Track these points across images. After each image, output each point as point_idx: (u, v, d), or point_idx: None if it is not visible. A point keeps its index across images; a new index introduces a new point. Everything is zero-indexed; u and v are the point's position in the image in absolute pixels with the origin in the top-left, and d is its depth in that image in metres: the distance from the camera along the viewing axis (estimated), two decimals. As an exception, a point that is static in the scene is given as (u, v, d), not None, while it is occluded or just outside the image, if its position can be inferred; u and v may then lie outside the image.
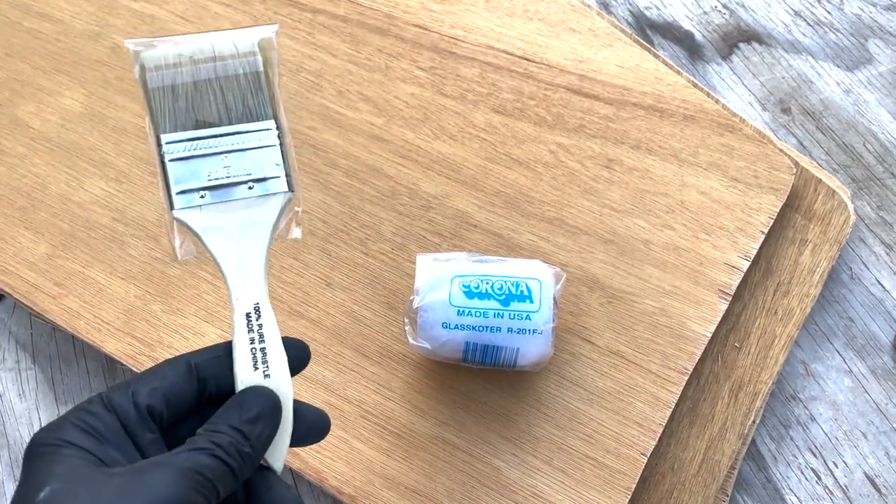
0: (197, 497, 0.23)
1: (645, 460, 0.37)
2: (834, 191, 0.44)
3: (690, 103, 0.47)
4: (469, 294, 0.37)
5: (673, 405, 0.38)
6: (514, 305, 0.36)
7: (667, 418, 0.38)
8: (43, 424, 0.44)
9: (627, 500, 0.37)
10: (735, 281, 0.41)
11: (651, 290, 0.42)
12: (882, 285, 0.44)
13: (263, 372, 0.26)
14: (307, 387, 0.41)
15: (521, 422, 0.39)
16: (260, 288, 0.27)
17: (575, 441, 0.38)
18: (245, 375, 0.26)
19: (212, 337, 0.42)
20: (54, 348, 0.47)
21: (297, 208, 0.28)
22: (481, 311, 0.36)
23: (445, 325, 0.37)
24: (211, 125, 0.27)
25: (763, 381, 0.40)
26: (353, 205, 0.46)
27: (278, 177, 0.27)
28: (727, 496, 0.39)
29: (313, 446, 0.39)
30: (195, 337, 0.43)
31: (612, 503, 0.37)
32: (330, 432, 0.39)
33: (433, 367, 0.41)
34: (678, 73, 0.48)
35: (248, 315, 0.26)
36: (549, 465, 0.38)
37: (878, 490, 0.40)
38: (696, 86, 0.48)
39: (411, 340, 0.38)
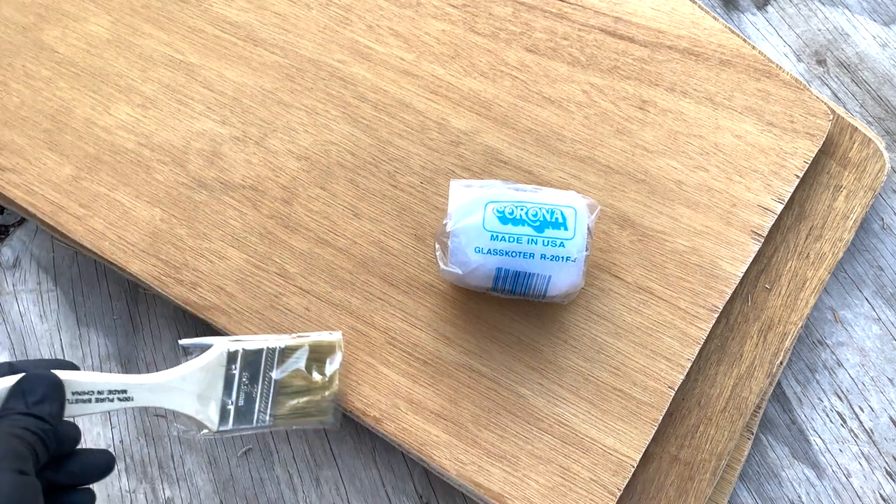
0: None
1: (672, 394, 0.37)
2: (870, 139, 0.44)
3: (727, 48, 0.46)
4: (503, 219, 0.36)
5: (702, 341, 0.38)
6: (549, 232, 0.36)
7: (695, 354, 0.38)
8: (64, 346, 0.44)
9: (654, 431, 0.36)
10: (768, 223, 0.41)
11: (682, 230, 0.41)
12: (913, 236, 0.44)
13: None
14: (333, 312, 0.40)
15: (547, 352, 0.39)
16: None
17: (602, 373, 0.38)
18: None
19: (237, 261, 0.42)
20: (76, 271, 0.46)
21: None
22: (515, 236, 0.36)
23: (478, 250, 0.36)
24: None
25: (793, 322, 0.40)
26: (381, 138, 0.45)
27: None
28: (752, 434, 0.39)
29: (340, 368, 0.39)
30: (220, 261, 0.42)
31: (638, 433, 0.36)
32: (357, 357, 0.39)
33: (460, 297, 0.40)
34: (715, 18, 0.48)
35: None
36: (575, 394, 0.38)
37: (903, 436, 0.39)
38: (732, 31, 0.47)
39: (442, 265, 0.37)
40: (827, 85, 0.49)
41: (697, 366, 0.39)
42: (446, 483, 0.40)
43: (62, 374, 0.31)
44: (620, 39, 0.47)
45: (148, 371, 0.44)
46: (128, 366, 0.44)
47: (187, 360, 0.34)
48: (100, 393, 0.31)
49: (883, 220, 0.45)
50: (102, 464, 0.31)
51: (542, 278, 0.36)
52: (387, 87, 0.47)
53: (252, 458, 0.41)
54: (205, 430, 0.34)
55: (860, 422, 0.40)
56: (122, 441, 0.42)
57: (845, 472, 0.39)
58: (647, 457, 0.38)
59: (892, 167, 0.46)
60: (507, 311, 0.40)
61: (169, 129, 0.47)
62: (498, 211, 0.36)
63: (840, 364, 0.41)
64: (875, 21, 0.51)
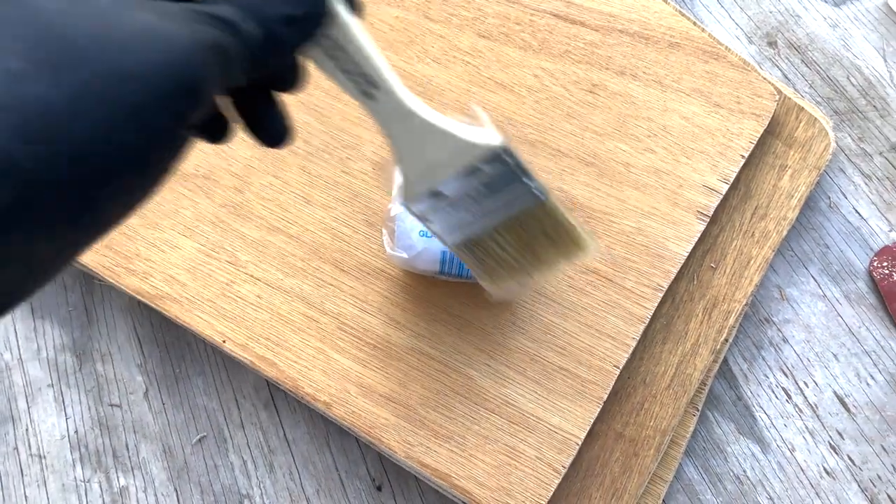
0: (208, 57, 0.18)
1: (617, 372, 0.38)
2: (815, 119, 0.44)
3: (676, 31, 0.46)
4: (446, 202, 0.37)
5: (647, 320, 0.39)
6: (492, 214, 0.36)
7: (640, 333, 0.38)
8: (19, 337, 0.44)
9: (599, 409, 0.37)
10: (713, 203, 0.41)
11: (630, 211, 0.42)
12: (859, 213, 0.45)
13: None
14: (285, 299, 0.41)
15: (495, 334, 0.39)
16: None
17: (548, 353, 0.38)
18: None
19: (189, 250, 0.42)
20: (31, 264, 0.46)
21: None
22: (458, 219, 0.36)
23: (423, 234, 0.36)
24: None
25: (737, 299, 0.40)
26: (334, 125, 0.46)
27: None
28: (697, 411, 0.39)
29: (290, 355, 0.39)
30: (172, 250, 0.42)
31: (583, 412, 0.37)
32: (308, 343, 0.39)
33: (411, 281, 0.41)
34: (665, 1, 0.48)
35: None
36: (522, 375, 0.38)
37: (848, 409, 0.40)
38: (682, 14, 0.48)
39: (389, 250, 0.38)
40: (777, 66, 0.50)
41: (643, 344, 0.40)
42: (399, 465, 0.40)
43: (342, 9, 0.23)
44: (572, 24, 0.47)
45: (103, 362, 0.44)
46: (82, 357, 0.44)
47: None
48: (354, 63, 0.23)
49: (830, 198, 0.45)
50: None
51: (487, 261, 0.37)
52: (340, 75, 0.47)
53: (206, 446, 0.41)
54: (399, 199, 0.28)
55: (805, 397, 0.40)
56: (76, 431, 0.42)
57: (790, 446, 0.39)
58: (592, 435, 0.38)
59: (838, 146, 0.47)
60: (457, 295, 0.40)
61: (121, 119, 0.46)
62: (441, 194, 0.37)
63: (786, 341, 0.42)
64: (826, 2, 0.51)
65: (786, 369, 0.41)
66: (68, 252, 0.17)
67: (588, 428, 0.37)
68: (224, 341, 0.40)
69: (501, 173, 0.27)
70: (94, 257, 0.42)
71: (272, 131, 0.23)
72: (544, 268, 0.30)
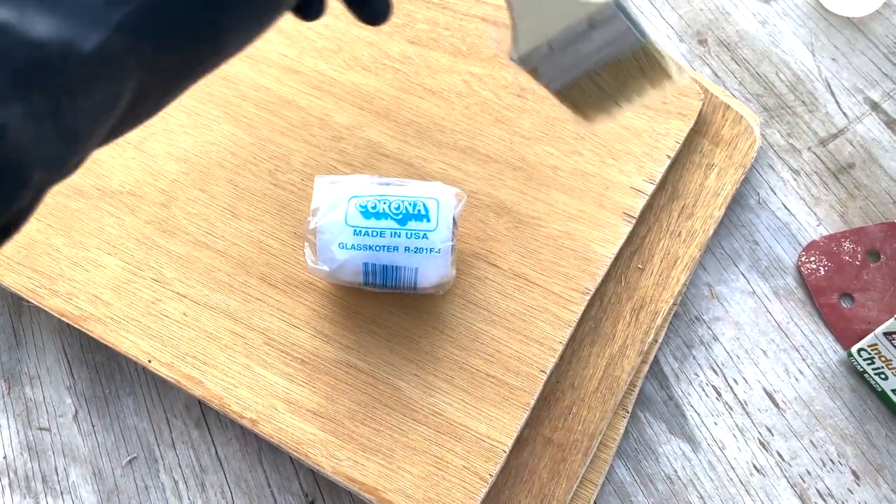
0: None
1: (545, 377, 0.38)
2: (741, 116, 0.44)
3: (604, 32, 0.46)
4: (366, 214, 0.36)
5: (574, 324, 0.39)
6: (411, 224, 0.36)
7: (567, 337, 0.38)
8: (-56, 362, 0.43)
9: (526, 416, 0.37)
10: (639, 204, 0.41)
11: (557, 215, 0.42)
12: (788, 209, 0.45)
13: None
14: (211, 316, 0.40)
15: (424, 344, 0.39)
16: None
17: (476, 360, 0.38)
18: None
19: (114, 269, 0.42)
20: (-43, 287, 0.45)
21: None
22: (378, 230, 0.36)
23: (342, 246, 0.36)
24: None
25: (664, 300, 0.41)
26: (262, 136, 0.45)
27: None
28: (627, 412, 0.39)
29: (217, 372, 0.39)
30: (96, 269, 0.42)
31: (510, 419, 0.37)
32: (234, 360, 0.39)
33: (338, 293, 0.40)
34: (593, 2, 0.48)
35: None
36: (450, 384, 0.38)
37: (777, 405, 0.40)
38: (610, 15, 0.48)
39: (310, 263, 0.37)
40: (708, 64, 0.50)
41: (571, 348, 0.40)
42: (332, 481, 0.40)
43: None
44: (501, 28, 0.47)
45: (31, 385, 0.43)
46: (10, 381, 0.43)
47: None
48: None
49: (759, 195, 0.45)
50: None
51: (410, 271, 0.37)
52: (269, 85, 0.47)
53: (137, 467, 0.40)
54: (514, 55, 0.31)
55: (734, 394, 0.41)
56: (5, 457, 0.41)
57: (720, 444, 0.40)
58: (521, 441, 0.38)
59: (767, 142, 0.47)
60: (385, 305, 0.40)
61: (45, 137, 0.46)
62: (360, 206, 0.36)
63: (716, 338, 0.42)
64: (755, -1, 0.52)
65: (716, 367, 0.41)
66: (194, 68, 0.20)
67: (515, 435, 0.37)
68: (150, 361, 0.39)
69: (609, 25, 0.30)
70: (17, 279, 0.41)
71: (377, 5, 0.24)
72: (635, 98, 0.32)
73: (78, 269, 0.42)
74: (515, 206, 0.42)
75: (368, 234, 0.36)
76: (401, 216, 0.36)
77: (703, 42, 0.51)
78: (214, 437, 0.41)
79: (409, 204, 0.36)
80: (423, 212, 0.36)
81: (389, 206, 0.36)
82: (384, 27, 0.48)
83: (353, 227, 0.36)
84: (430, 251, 0.36)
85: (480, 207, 0.42)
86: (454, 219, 0.37)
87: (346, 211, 0.36)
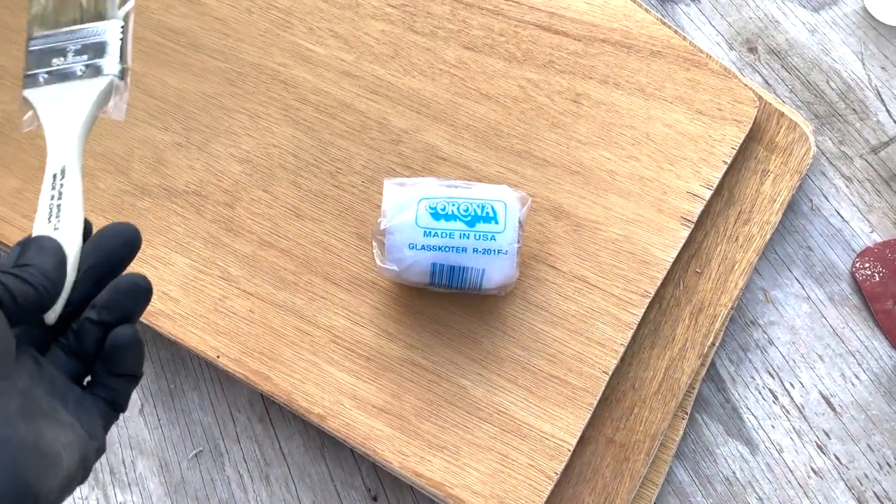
0: None
1: (606, 378, 0.38)
2: (796, 124, 0.45)
3: (657, 39, 0.47)
4: (435, 215, 0.37)
5: (635, 326, 0.39)
6: (480, 226, 0.37)
7: (628, 339, 0.39)
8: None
9: (589, 416, 0.38)
10: (697, 209, 0.42)
11: (615, 219, 0.42)
12: (841, 216, 0.45)
13: (54, 225, 0.28)
14: (277, 314, 0.41)
15: (486, 344, 0.40)
16: (70, 153, 0.29)
17: (539, 361, 0.39)
18: (38, 229, 0.28)
19: (181, 266, 0.43)
20: (24, 283, 0.47)
21: (124, 92, 0.32)
22: (447, 231, 0.37)
23: (412, 246, 0.37)
24: (69, 24, 0.32)
25: (723, 304, 0.41)
26: (323, 139, 0.46)
27: (110, 63, 0.32)
28: (686, 414, 0.40)
29: (284, 368, 0.40)
30: (164, 266, 0.43)
31: (574, 418, 0.38)
32: (301, 357, 0.40)
33: (401, 293, 0.41)
34: (646, 10, 0.49)
35: (54, 175, 0.29)
36: (513, 383, 0.39)
37: (833, 409, 0.41)
38: (663, 23, 0.48)
39: (379, 263, 0.38)
40: (758, 72, 0.50)
41: (631, 350, 0.40)
42: (394, 476, 0.41)
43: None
44: (555, 34, 0.48)
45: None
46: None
47: None
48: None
49: (812, 201, 0.46)
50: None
51: (476, 272, 0.37)
52: (328, 89, 0.48)
53: (203, 460, 0.41)
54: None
55: (791, 398, 0.41)
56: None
57: (778, 447, 0.40)
58: (583, 440, 0.39)
59: (819, 150, 0.47)
60: (447, 305, 0.41)
61: (111, 137, 0.47)
62: (430, 207, 0.37)
63: (771, 343, 0.42)
64: (804, 7, 0.52)
65: (772, 371, 0.42)
66: None
67: (579, 434, 0.37)
68: (218, 356, 0.40)
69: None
70: (86, 276, 0.43)
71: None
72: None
73: (146, 266, 0.43)
74: (573, 210, 0.43)
75: (438, 235, 0.37)
76: (469, 218, 0.37)
77: (752, 50, 0.51)
78: (278, 432, 0.42)
79: (478, 206, 0.37)
80: (491, 214, 0.37)
81: (458, 208, 0.37)
82: (440, 33, 0.49)
83: (423, 228, 0.37)
84: (498, 252, 0.37)
85: (539, 211, 0.43)
86: (520, 221, 0.38)
87: (417, 212, 0.37)
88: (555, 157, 0.44)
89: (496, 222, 0.37)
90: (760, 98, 0.46)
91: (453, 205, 0.37)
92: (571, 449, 0.37)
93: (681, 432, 0.40)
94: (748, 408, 0.41)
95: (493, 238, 0.37)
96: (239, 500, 0.40)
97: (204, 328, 0.41)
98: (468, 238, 0.37)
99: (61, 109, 0.31)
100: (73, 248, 0.27)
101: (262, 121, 0.47)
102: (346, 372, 0.40)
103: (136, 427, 0.42)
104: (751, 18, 0.52)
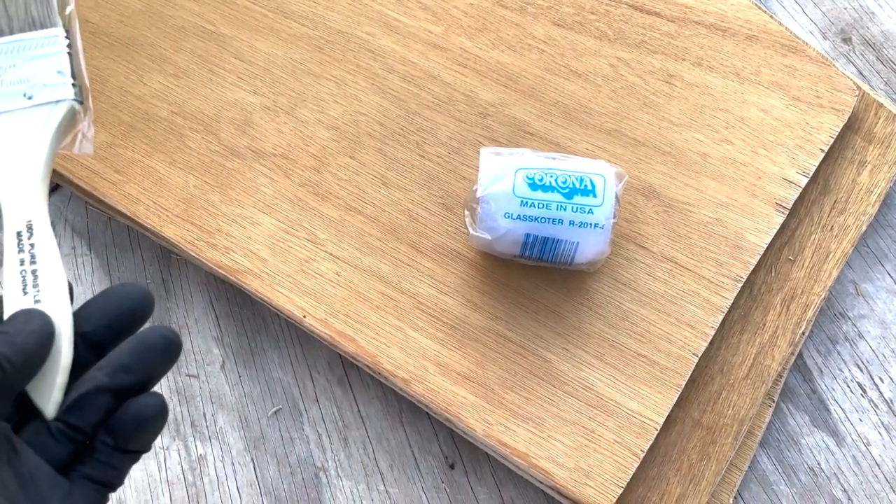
0: None
1: (696, 360, 0.38)
2: (894, 115, 0.44)
3: (753, 23, 0.46)
4: (533, 186, 0.37)
5: (726, 310, 0.39)
6: (578, 199, 0.37)
7: (719, 322, 0.38)
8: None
9: (677, 396, 0.37)
10: (793, 195, 0.41)
11: (707, 201, 0.42)
12: (937, 212, 0.44)
13: (34, 297, 0.22)
14: (363, 278, 0.41)
15: (572, 319, 0.40)
16: (35, 204, 0.23)
17: (626, 339, 0.39)
18: (13, 302, 0.22)
19: (268, 227, 0.43)
20: (110, 237, 0.48)
21: (87, 120, 0.26)
22: (544, 202, 0.37)
23: (507, 216, 0.37)
24: None
25: (816, 293, 0.40)
26: (409, 109, 0.46)
27: (61, 84, 0.25)
28: (773, 402, 0.39)
29: (369, 331, 0.40)
30: (252, 226, 0.43)
31: (661, 398, 0.37)
32: (386, 321, 0.40)
33: (487, 264, 0.41)
34: (742, -6, 0.48)
35: (18, 234, 0.23)
36: (600, 360, 0.38)
37: (922, 407, 0.40)
38: (758, 7, 0.47)
39: (471, 231, 0.38)
40: (852, 62, 0.49)
41: (720, 334, 0.40)
42: (472, 445, 0.41)
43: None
44: (647, 14, 0.47)
45: (180, 334, 0.45)
46: (161, 328, 0.45)
47: None
48: None
49: (906, 196, 0.45)
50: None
51: (570, 245, 0.37)
52: (415, 60, 0.48)
53: (282, 418, 0.42)
54: None
55: (880, 392, 0.40)
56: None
57: (865, 440, 0.39)
58: (669, 421, 0.38)
59: (916, 144, 0.46)
60: (533, 279, 0.41)
61: (201, 98, 0.47)
62: (528, 177, 0.37)
63: (861, 336, 0.42)
64: (902, 0, 0.51)
65: (861, 364, 0.41)
66: None
67: (667, 413, 0.37)
68: (304, 316, 0.40)
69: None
70: (177, 231, 0.43)
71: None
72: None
73: (234, 225, 0.43)
74: (664, 191, 0.42)
75: (534, 206, 0.37)
76: (567, 190, 0.37)
77: (847, 41, 0.50)
78: (357, 395, 0.42)
79: (576, 179, 0.37)
80: (589, 187, 0.37)
81: (556, 180, 0.37)
82: (529, 9, 0.48)
83: (519, 197, 0.37)
84: (594, 226, 0.37)
85: (629, 190, 0.42)
86: (617, 196, 0.37)
87: (514, 182, 0.37)
88: (646, 137, 0.44)
89: (594, 195, 0.37)
90: (859, 87, 0.44)
91: (551, 176, 0.37)
92: (658, 428, 0.37)
93: (767, 419, 0.39)
94: (835, 399, 0.40)
95: (590, 211, 0.37)
96: (317, 459, 0.41)
97: (291, 288, 0.41)
98: (565, 210, 0.37)
99: (9, 151, 0.24)
100: (64, 321, 0.21)
101: (349, 88, 0.47)
102: (430, 339, 0.40)
103: (216, 382, 0.43)
104: (845, 8, 0.51)
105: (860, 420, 0.40)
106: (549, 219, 0.37)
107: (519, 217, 0.37)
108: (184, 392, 0.43)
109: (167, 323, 0.45)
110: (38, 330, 0.21)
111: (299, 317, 0.41)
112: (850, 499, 0.38)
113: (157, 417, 0.22)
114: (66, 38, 0.25)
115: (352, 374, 0.43)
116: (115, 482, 0.22)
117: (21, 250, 0.22)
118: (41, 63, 0.25)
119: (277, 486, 0.40)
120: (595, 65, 0.46)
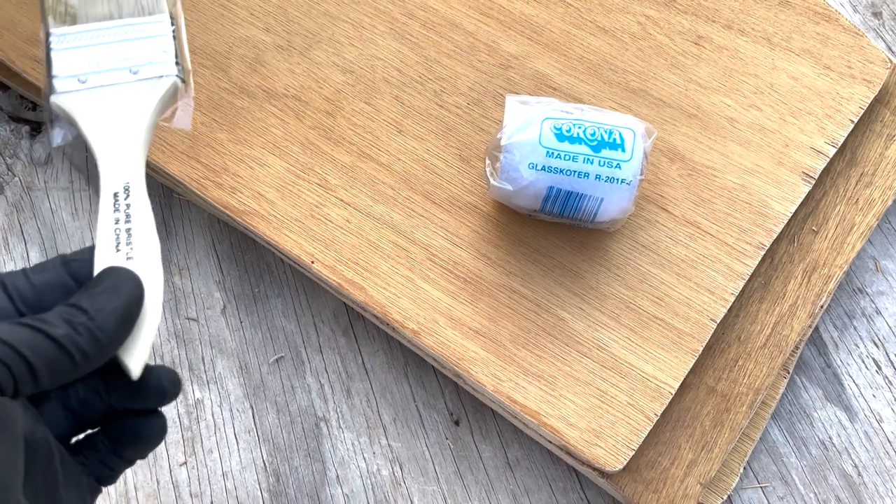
0: None
1: (714, 326, 0.37)
2: (926, 91, 0.43)
3: (788, -11, 0.45)
4: (560, 137, 0.36)
5: (747, 277, 0.38)
6: (606, 153, 0.35)
7: (739, 289, 0.38)
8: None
9: (693, 362, 0.36)
10: (820, 165, 0.40)
11: (733, 167, 0.41)
12: (961, 192, 0.43)
13: (126, 255, 0.23)
14: (374, 226, 0.40)
15: (589, 279, 0.38)
16: (133, 168, 0.25)
17: (644, 302, 0.38)
18: (105, 258, 0.22)
19: (278, 169, 0.41)
20: (109, 173, 0.46)
21: (187, 97, 0.28)
22: (571, 154, 0.35)
23: (532, 166, 0.36)
24: (101, 20, 0.27)
25: (838, 265, 0.39)
26: (429, 56, 0.44)
27: (165, 62, 0.27)
28: (788, 374, 0.39)
29: (379, 281, 0.38)
30: (260, 167, 0.42)
31: (677, 362, 0.36)
32: (397, 271, 0.39)
33: (503, 219, 0.40)
34: (777, -42, 0.46)
35: (115, 194, 0.24)
36: (616, 321, 0.37)
37: (935, 386, 0.40)
38: (794, -27, 0.46)
39: (492, 181, 0.37)
40: (882, 37, 0.48)
41: (739, 302, 0.39)
42: (477, 401, 0.40)
43: None
44: (679, -27, 0.46)
45: (181, 276, 0.43)
46: (160, 269, 0.43)
47: None
48: None
49: (931, 174, 0.44)
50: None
51: (595, 200, 0.36)
52: (436, 6, 0.46)
53: (283, 366, 0.41)
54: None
55: (895, 369, 0.40)
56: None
57: (878, 416, 0.39)
58: (684, 387, 0.37)
59: (944, 122, 0.45)
60: (550, 236, 0.39)
61: (211, 32, 0.45)
62: (555, 127, 0.36)
63: (879, 312, 0.41)
64: (936, -24, 0.50)
65: (877, 340, 0.40)
66: None
67: (682, 378, 0.36)
68: (313, 262, 0.39)
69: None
70: (181, 168, 0.41)
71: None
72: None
73: (242, 165, 0.42)
74: (689, 154, 0.41)
75: (560, 157, 0.35)
76: (595, 143, 0.36)
77: (877, 14, 0.49)
78: (361, 347, 0.41)
79: (605, 132, 0.36)
80: (618, 141, 0.36)
81: (584, 132, 0.36)
82: (557, -39, 0.47)
83: (546, 148, 0.35)
84: (621, 182, 0.35)
85: (653, 151, 0.41)
86: (645, 153, 0.36)
87: (541, 131, 0.36)
88: (672, 99, 0.42)
89: (623, 150, 0.35)
90: (891, 60, 0.43)
91: (579, 127, 0.36)
92: (673, 392, 0.36)
93: (781, 391, 0.38)
94: (849, 374, 0.40)
95: (618, 166, 0.35)
96: (318, 409, 0.40)
97: (299, 233, 0.40)
98: (592, 164, 0.35)
99: (114, 119, 0.25)
100: (154, 281, 0.22)
101: (366, 31, 0.45)
102: (442, 291, 0.38)
103: (216, 326, 0.41)
104: (878, -18, 0.50)
105: (874, 396, 0.39)
106: (574, 171, 0.35)
107: (543, 168, 0.35)
108: (182, 335, 0.41)
109: (168, 262, 0.43)
110: (121, 306, 0.21)
111: (307, 262, 0.39)
112: (860, 474, 0.37)
113: (158, 436, 0.23)
114: (172, 24, 0.28)
115: (357, 325, 0.42)
116: (108, 480, 0.23)
117: (117, 209, 0.23)
118: (147, 43, 0.27)
119: (276, 433, 0.39)
120: (622, 22, 0.45)
